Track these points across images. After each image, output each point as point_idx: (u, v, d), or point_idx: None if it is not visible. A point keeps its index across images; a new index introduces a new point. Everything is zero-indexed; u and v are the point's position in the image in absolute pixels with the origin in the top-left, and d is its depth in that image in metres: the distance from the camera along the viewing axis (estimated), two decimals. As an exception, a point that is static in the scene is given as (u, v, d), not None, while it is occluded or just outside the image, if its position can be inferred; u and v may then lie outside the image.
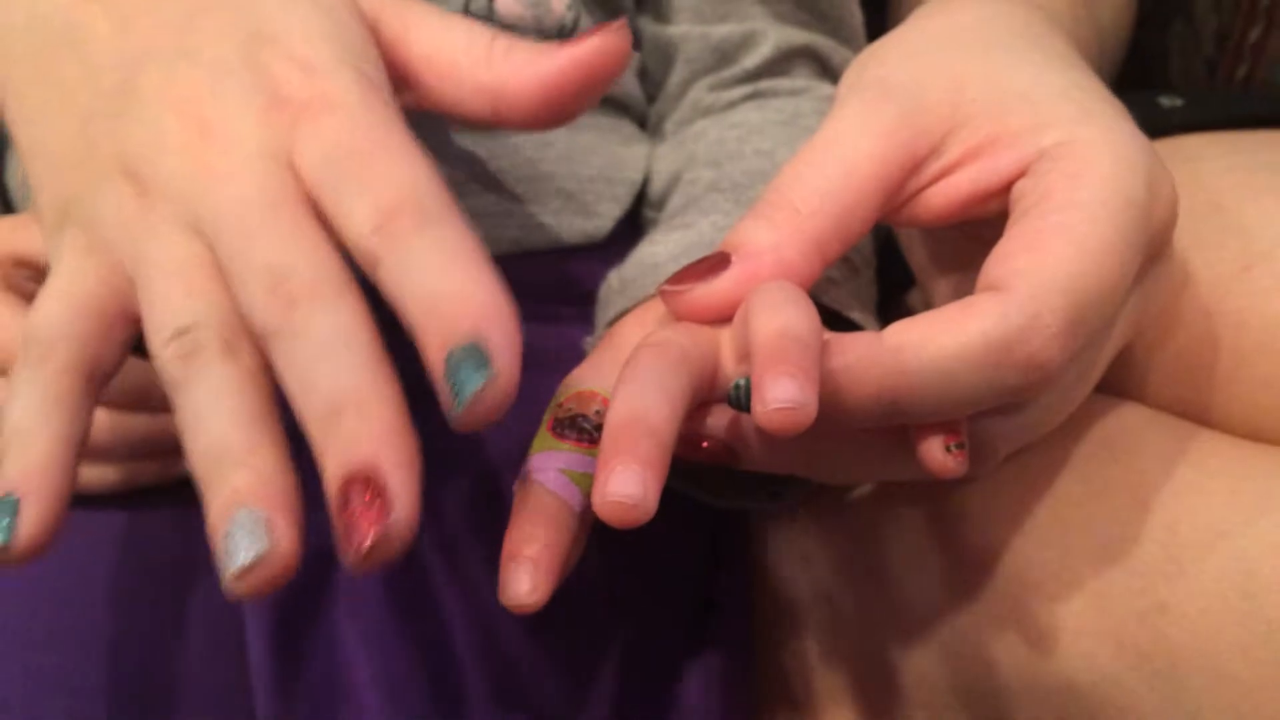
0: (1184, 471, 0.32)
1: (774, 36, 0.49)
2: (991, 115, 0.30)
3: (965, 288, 0.32)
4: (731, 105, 0.48)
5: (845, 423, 0.26)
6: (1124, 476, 0.32)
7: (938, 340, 0.26)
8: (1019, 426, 0.30)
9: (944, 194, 0.31)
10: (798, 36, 0.49)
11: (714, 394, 0.29)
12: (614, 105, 0.50)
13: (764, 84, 0.48)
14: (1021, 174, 0.29)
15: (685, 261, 0.37)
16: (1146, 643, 0.31)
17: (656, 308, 0.33)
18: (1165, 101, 0.47)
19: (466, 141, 0.44)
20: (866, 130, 0.30)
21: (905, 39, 0.33)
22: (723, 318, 0.29)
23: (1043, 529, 0.33)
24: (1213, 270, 0.34)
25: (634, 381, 0.27)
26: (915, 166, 0.30)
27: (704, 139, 0.46)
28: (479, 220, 0.43)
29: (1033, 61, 0.32)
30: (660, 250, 0.38)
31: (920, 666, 0.36)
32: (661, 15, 0.52)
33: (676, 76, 0.51)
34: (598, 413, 0.30)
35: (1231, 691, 0.30)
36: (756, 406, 0.24)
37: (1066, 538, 0.32)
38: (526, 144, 0.45)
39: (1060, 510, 0.33)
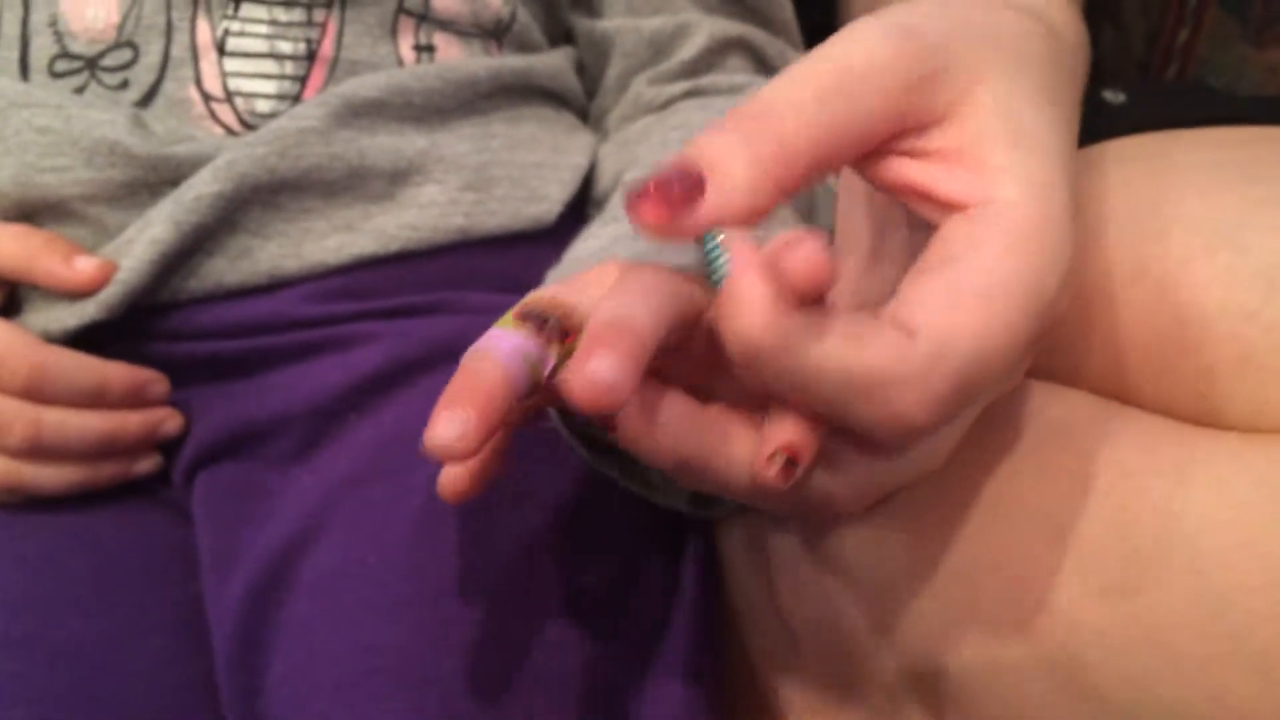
0: (1133, 455, 0.33)
1: (707, 27, 0.49)
2: (979, 134, 0.30)
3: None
4: (672, 101, 0.48)
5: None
6: (1074, 461, 0.34)
7: (838, 349, 0.26)
8: (885, 470, 0.31)
9: (898, 171, 0.30)
10: (731, 28, 0.50)
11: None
12: (554, 98, 0.50)
13: (704, 80, 0.49)
14: (965, 206, 0.29)
15: (622, 251, 0.37)
16: (1102, 621, 0.32)
17: None
18: (1110, 96, 0.48)
19: (409, 133, 0.45)
20: (890, 84, 0.29)
21: (950, 6, 0.32)
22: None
23: (998, 513, 0.34)
24: (1158, 264, 0.35)
25: (624, 292, 0.28)
26: (905, 133, 0.30)
27: (647, 140, 0.46)
28: (424, 210, 0.44)
29: (1041, 105, 0.31)
30: (593, 245, 0.39)
31: (879, 655, 0.37)
32: (594, 10, 0.52)
33: (614, 70, 0.51)
34: (565, 316, 0.31)
35: (1184, 667, 0.31)
36: (570, 376, 0.25)
37: (1021, 521, 0.33)
38: (469, 135, 0.46)
39: (1013, 495, 0.34)
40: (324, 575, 0.36)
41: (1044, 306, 0.29)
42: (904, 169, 0.30)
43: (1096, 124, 0.44)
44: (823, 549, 0.37)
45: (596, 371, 0.25)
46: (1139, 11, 0.73)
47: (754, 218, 0.28)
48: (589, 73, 0.54)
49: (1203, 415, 0.34)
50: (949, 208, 0.30)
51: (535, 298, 0.32)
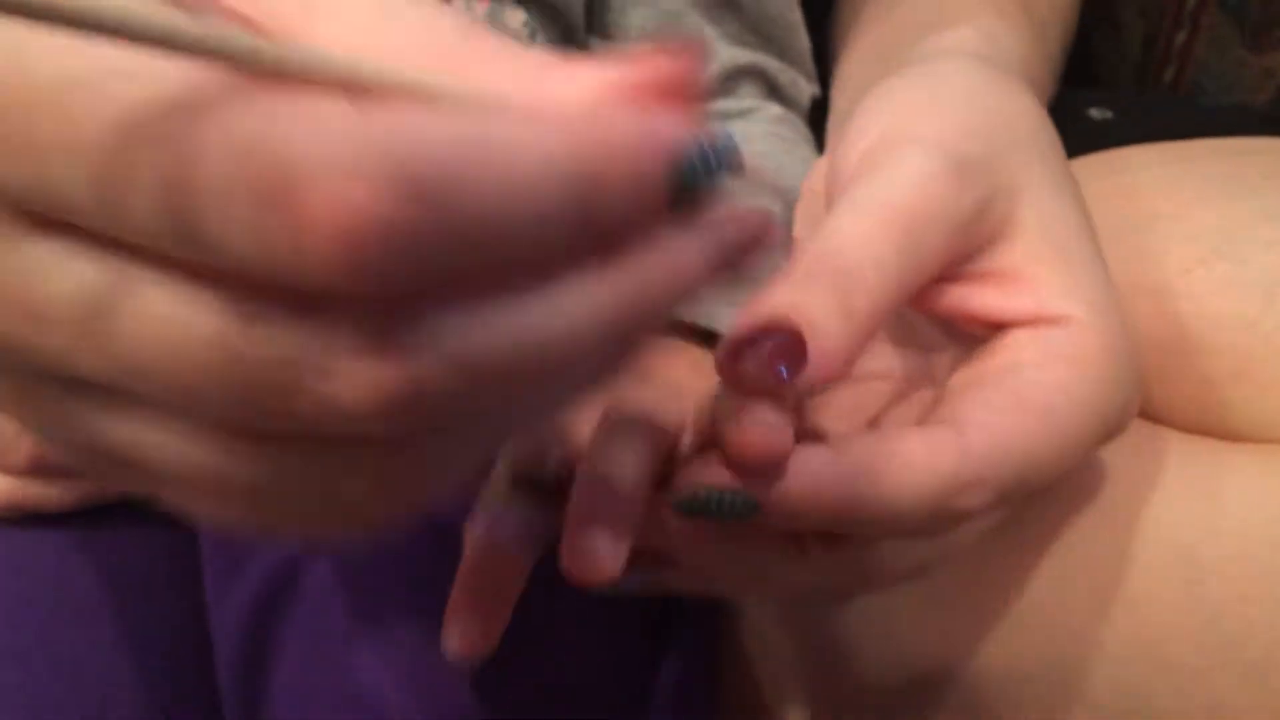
0: (1132, 465, 0.33)
1: (721, 55, 0.50)
2: (1028, 251, 0.30)
3: None
4: None
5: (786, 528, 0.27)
6: (1077, 473, 0.34)
7: (897, 472, 0.26)
8: (923, 551, 0.30)
9: (950, 298, 0.30)
10: (743, 56, 0.50)
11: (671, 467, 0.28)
12: None
13: (712, 105, 0.49)
14: (1031, 323, 0.29)
15: None
16: (1101, 633, 0.32)
17: None
18: (1096, 114, 0.48)
19: None
20: (951, 220, 0.28)
21: (977, 104, 0.32)
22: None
23: (1002, 526, 0.34)
24: (1157, 275, 0.36)
25: (607, 445, 0.27)
26: (957, 261, 0.30)
27: None
28: None
29: (1074, 204, 0.31)
30: None
31: (880, 667, 0.37)
32: (610, 35, 0.53)
33: None
34: (559, 462, 0.30)
35: (1179, 677, 0.31)
36: (563, 551, 0.25)
37: (1022, 532, 0.34)
38: None
39: (1018, 509, 0.34)
40: (328, 585, 0.37)
41: (1106, 429, 0.29)
42: (962, 296, 0.30)
43: (1083, 142, 0.44)
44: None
45: (586, 551, 0.25)
46: (1137, 13, 0.73)
47: (845, 374, 0.27)
48: None
49: (1201, 425, 0.34)
50: (1008, 323, 0.30)
51: (518, 455, 0.31)
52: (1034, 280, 0.29)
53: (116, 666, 0.38)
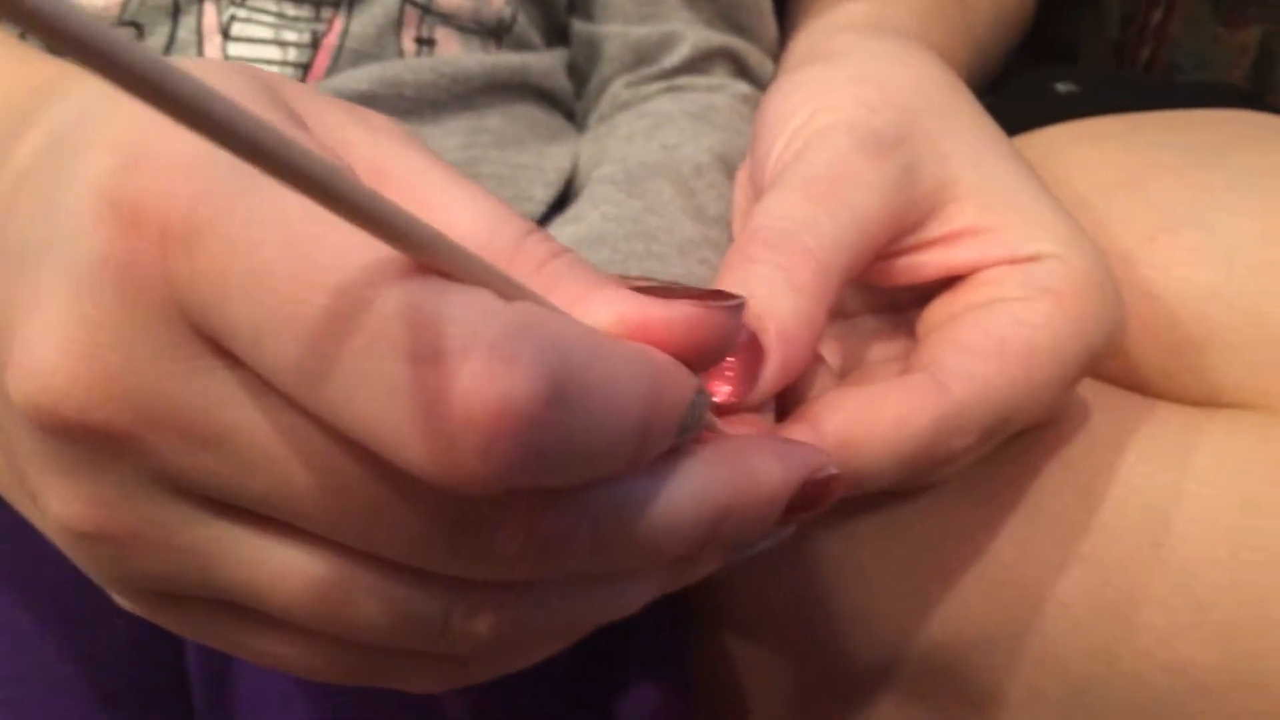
0: (1101, 427, 0.33)
1: (692, 37, 0.50)
2: (980, 207, 0.30)
3: None
4: (647, 100, 0.49)
5: None
6: (1046, 437, 0.34)
7: (880, 435, 0.26)
8: None
9: (910, 267, 0.31)
10: (716, 38, 0.51)
11: None
12: (546, 98, 0.51)
13: (681, 80, 0.49)
14: (1004, 264, 0.29)
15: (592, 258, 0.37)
16: (1067, 594, 0.32)
17: None
18: (1061, 88, 0.49)
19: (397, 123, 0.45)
20: (874, 186, 0.29)
21: (878, 80, 0.32)
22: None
23: (966, 487, 0.34)
24: (1122, 243, 0.36)
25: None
26: (897, 235, 0.30)
27: (615, 134, 0.47)
28: None
29: (1010, 156, 0.32)
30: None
31: (852, 639, 0.37)
32: (590, 14, 0.53)
33: (599, 74, 0.52)
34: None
35: (1145, 640, 0.31)
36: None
37: (990, 495, 0.34)
38: (460, 130, 0.46)
39: (984, 469, 0.34)
40: None
41: (1093, 357, 0.29)
42: (931, 259, 0.30)
43: (1049, 115, 0.45)
44: (798, 539, 0.38)
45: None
46: (1114, -8, 0.73)
47: (814, 352, 0.27)
48: (579, 75, 0.55)
49: (1170, 392, 0.34)
50: (978, 270, 0.30)
51: None
52: (998, 229, 0.30)
53: (82, 637, 0.38)
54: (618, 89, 0.51)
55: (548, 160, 0.47)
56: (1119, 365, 0.36)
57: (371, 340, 0.16)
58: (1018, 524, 0.33)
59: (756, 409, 0.26)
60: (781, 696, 0.39)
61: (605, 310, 0.19)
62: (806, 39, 0.40)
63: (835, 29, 0.37)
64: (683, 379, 0.19)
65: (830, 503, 0.24)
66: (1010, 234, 0.30)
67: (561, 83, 0.52)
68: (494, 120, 0.47)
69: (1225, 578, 0.30)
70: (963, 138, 0.31)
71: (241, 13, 0.44)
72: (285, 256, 0.16)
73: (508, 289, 0.18)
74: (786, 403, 0.28)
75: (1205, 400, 0.34)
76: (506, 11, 0.48)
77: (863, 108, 0.31)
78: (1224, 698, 0.31)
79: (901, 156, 0.30)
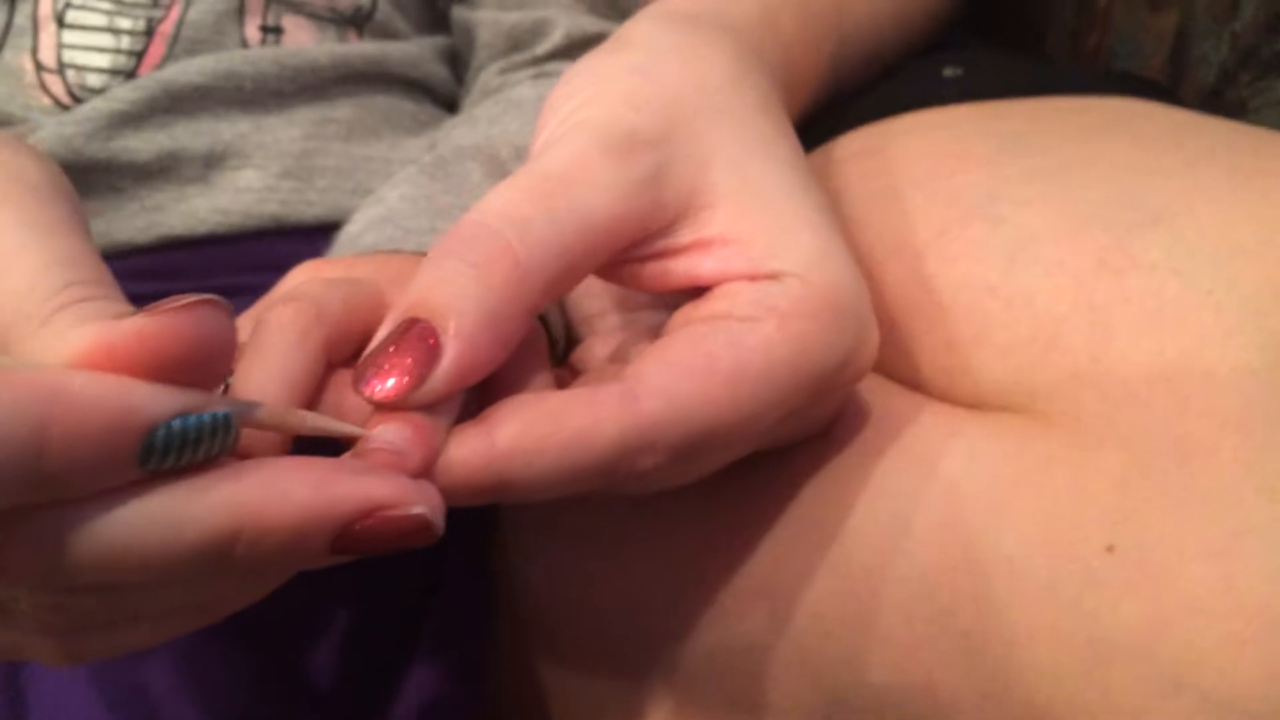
0: (868, 433, 0.32)
1: (565, 24, 0.49)
2: (733, 215, 0.28)
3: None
4: (511, 86, 0.48)
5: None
6: (812, 440, 0.33)
7: (554, 447, 0.25)
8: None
9: (658, 274, 0.29)
10: (591, 25, 0.50)
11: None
12: (414, 88, 0.50)
13: (550, 66, 0.49)
14: (744, 279, 0.28)
15: (369, 238, 0.37)
16: (818, 603, 0.31)
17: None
18: (948, 72, 0.47)
19: (235, 117, 0.45)
20: (611, 187, 0.27)
21: (653, 73, 0.30)
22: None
23: (732, 490, 0.33)
24: (915, 235, 0.35)
25: (254, 354, 0.27)
26: (643, 239, 0.29)
27: (471, 121, 0.46)
28: (239, 195, 0.44)
29: (779, 160, 0.30)
30: (352, 228, 0.39)
31: (631, 641, 0.36)
32: (468, 1, 0.53)
33: (474, 61, 0.52)
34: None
35: (892, 651, 0.30)
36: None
37: (753, 498, 0.33)
38: (303, 121, 0.46)
39: (750, 473, 0.33)
40: None
41: (823, 382, 0.28)
42: (674, 267, 0.29)
43: (926, 99, 0.43)
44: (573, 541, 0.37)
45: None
46: (1073, -23, 0.71)
47: (502, 357, 0.26)
48: (461, 61, 0.54)
49: (949, 391, 0.33)
50: (722, 281, 0.29)
51: None
52: (744, 241, 0.28)
53: None
54: (489, 76, 0.50)
55: (400, 152, 0.47)
56: (904, 363, 0.34)
57: None
58: (774, 530, 0.32)
59: (427, 408, 0.26)
60: (576, 704, 0.38)
61: (64, 347, 0.21)
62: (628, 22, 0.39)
63: (649, 15, 0.36)
64: (139, 400, 0.20)
65: (420, 540, 0.23)
66: (755, 248, 0.28)
67: (433, 71, 0.51)
68: (345, 110, 0.47)
69: (968, 584, 0.29)
70: (729, 140, 0.30)
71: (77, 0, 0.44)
72: None
73: None
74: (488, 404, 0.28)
75: (976, 401, 0.32)
76: (366, 1, 0.48)
77: (624, 104, 0.29)
78: (970, 713, 0.29)
79: (653, 156, 0.28)
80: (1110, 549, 0.28)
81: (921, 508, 0.30)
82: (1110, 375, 0.29)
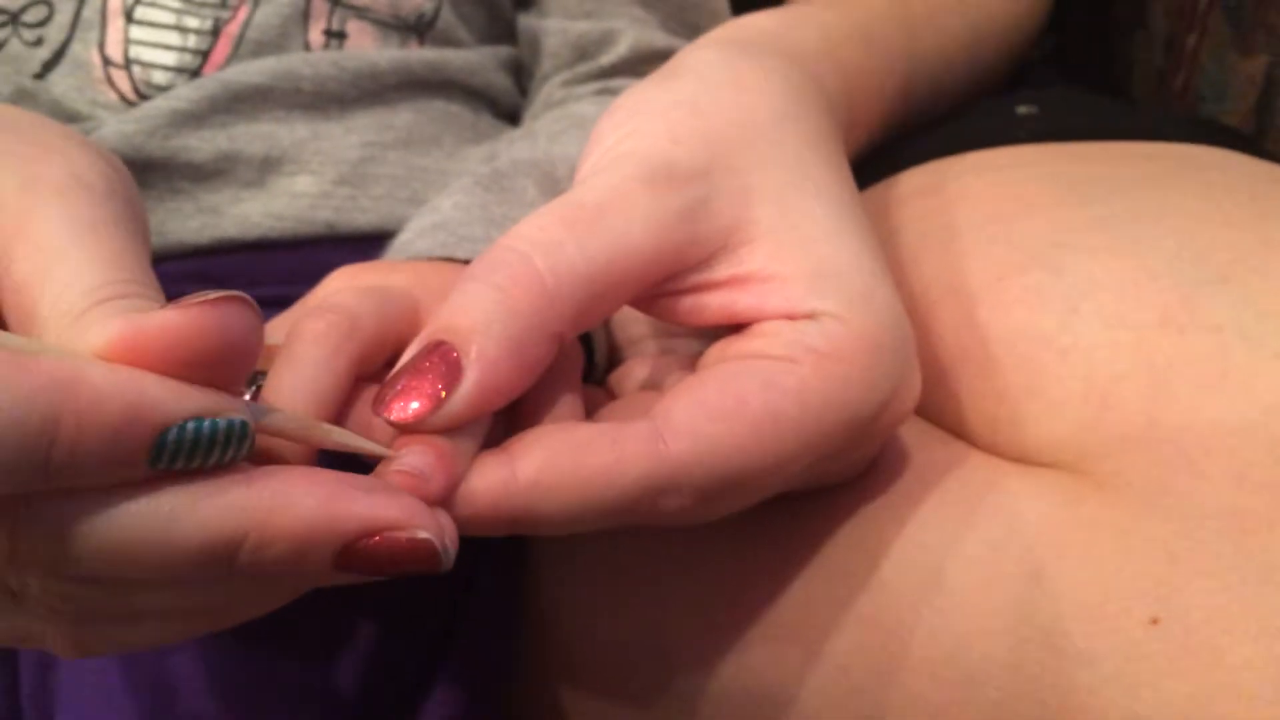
0: (906, 482, 0.31)
1: (632, 36, 0.49)
2: (772, 252, 0.28)
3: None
4: (575, 101, 0.48)
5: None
6: (849, 486, 0.32)
7: (577, 483, 0.25)
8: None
9: (694, 308, 0.29)
10: (659, 39, 0.49)
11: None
12: (474, 97, 0.50)
13: (615, 82, 0.48)
14: (781, 318, 0.27)
15: (421, 244, 0.37)
16: (845, 655, 0.30)
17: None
18: (1022, 110, 0.46)
19: (295, 121, 0.45)
20: (647, 219, 0.27)
21: (699, 106, 0.30)
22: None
23: (765, 532, 0.32)
24: (971, 279, 0.33)
25: (286, 364, 0.27)
26: (680, 272, 0.28)
27: (531, 135, 0.46)
28: (294, 200, 0.44)
29: (825, 197, 0.29)
30: (405, 236, 0.38)
31: (662, 670, 0.35)
32: (534, 9, 0.52)
33: (540, 71, 0.51)
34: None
35: (917, 712, 0.29)
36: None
37: (785, 543, 0.32)
38: (362, 127, 0.45)
39: (783, 515, 0.32)
40: None
41: (859, 426, 0.27)
42: (698, 306, 0.28)
43: (998, 137, 0.42)
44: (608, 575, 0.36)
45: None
46: (1163, 13, 0.69)
47: (526, 383, 0.26)
48: (526, 71, 0.54)
49: (995, 442, 0.32)
50: (760, 319, 0.28)
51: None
52: (784, 279, 0.28)
53: None
54: (552, 88, 0.50)
55: (458, 162, 0.47)
56: (950, 410, 0.33)
57: None
58: (804, 575, 0.31)
59: (451, 432, 0.25)
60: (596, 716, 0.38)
61: (91, 339, 0.21)
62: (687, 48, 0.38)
63: (708, 42, 0.35)
64: (155, 399, 0.20)
65: (426, 566, 0.23)
66: (794, 287, 0.27)
67: (495, 80, 0.51)
68: (404, 117, 0.47)
69: (1001, 652, 0.28)
70: (773, 176, 0.29)
71: None
72: None
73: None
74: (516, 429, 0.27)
75: (1022, 455, 0.31)
76: (428, 7, 0.48)
77: (667, 136, 0.29)
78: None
79: (692, 190, 0.28)
80: (1154, 621, 0.26)
81: (957, 565, 0.29)
82: (1166, 440, 0.28)
